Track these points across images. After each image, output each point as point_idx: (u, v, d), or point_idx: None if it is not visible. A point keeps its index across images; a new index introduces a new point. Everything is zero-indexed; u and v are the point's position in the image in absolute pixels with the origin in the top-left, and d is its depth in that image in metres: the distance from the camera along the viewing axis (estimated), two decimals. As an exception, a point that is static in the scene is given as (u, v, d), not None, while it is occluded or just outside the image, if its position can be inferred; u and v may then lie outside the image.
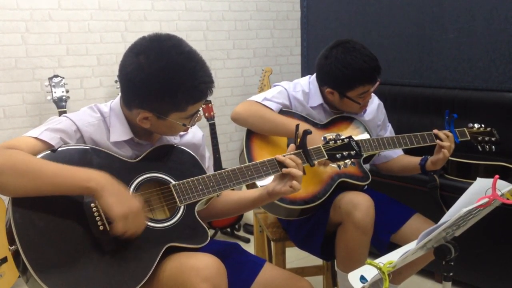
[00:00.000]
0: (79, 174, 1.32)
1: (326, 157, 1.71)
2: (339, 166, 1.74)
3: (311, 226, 1.99)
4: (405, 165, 2.19)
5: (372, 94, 2.18)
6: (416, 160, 2.13)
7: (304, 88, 2.11)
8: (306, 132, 1.64)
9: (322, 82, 2.08)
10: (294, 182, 1.53)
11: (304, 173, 1.57)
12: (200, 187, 1.49)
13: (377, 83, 2.03)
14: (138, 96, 1.44)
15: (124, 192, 1.34)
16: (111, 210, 1.30)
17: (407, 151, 2.22)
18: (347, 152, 1.73)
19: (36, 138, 1.39)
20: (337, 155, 1.72)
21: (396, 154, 2.23)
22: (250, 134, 2.05)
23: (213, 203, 1.67)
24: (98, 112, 1.52)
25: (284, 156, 1.58)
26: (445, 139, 2.01)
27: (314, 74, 2.15)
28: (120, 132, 1.50)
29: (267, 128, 2.02)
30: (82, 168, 1.35)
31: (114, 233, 1.31)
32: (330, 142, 1.74)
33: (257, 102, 2.05)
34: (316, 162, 1.67)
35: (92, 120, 1.50)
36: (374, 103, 2.23)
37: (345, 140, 1.75)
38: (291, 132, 1.73)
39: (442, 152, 1.99)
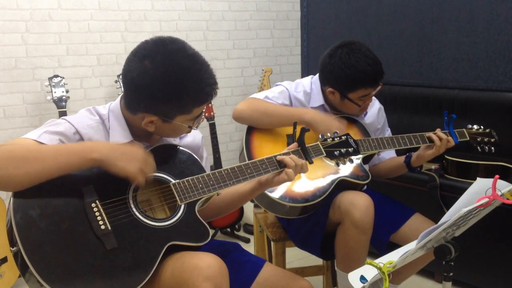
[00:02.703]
0: (78, 148, 1.36)
1: (324, 154, 1.72)
2: (337, 164, 1.75)
3: (310, 225, 1.99)
4: (391, 166, 2.20)
5: (373, 98, 2.18)
6: (400, 159, 2.14)
7: (305, 88, 2.12)
8: (304, 130, 1.65)
9: (324, 81, 2.08)
10: (289, 170, 1.55)
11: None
12: (200, 185, 1.49)
13: (379, 87, 2.03)
14: (143, 101, 1.44)
15: (125, 150, 1.39)
16: (127, 172, 1.36)
17: (403, 152, 2.22)
18: (344, 149, 1.74)
19: (35, 140, 1.39)
20: (335, 152, 1.73)
21: (389, 155, 2.24)
22: (250, 133, 2.06)
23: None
24: (97, 115, 1.53)
25: (283, 154, 1.60)
26: (437, 141, 2.01)
27: (317, 75, 2.15)
28: (119, 135, 1.51)
29: (272, 121, 2.02)
30: (78, 143, 1.41)
31: (140, 185, 1.41)
32: (328, 140, 1.75)
33: (257, 98, 2.06)
34: (314, 159, 1.67)
35: (91, 123, 1.50)
36: (375, 107, 2.23)
37: (343, 137, 1.76)
38: (299, 119, 1.76)
39: (435, 147, 2.00)
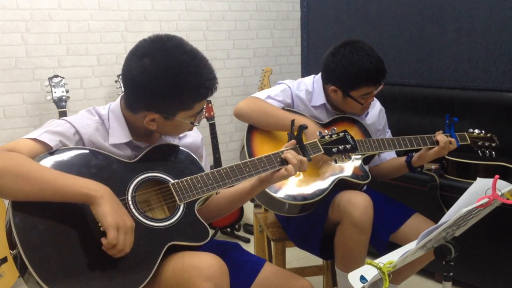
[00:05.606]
0: (80, 181, 1.32)
1: (323, 151, 1.72)
2: (335, 161, 1.76)
3: (310, 224, 1.99)
4: (392, 166, 2.20)
5: (375, 99, 2.18)
6: (401, 159, 2.14)
7: (307, 87, 2.12)
8: (302, 127, 1.66)
9: (326, 80, 2.08)
10: (289, 166, 1.55)
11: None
12: (199, 185, 1.49)
13: (381, 86, 2.03)
14: (144, 98, 1.44)
15: (121, 207, 1.34)
16: (106, 218, 1.28)
17: (403, 153, 2.22)
18: (342, 146, 1.74)
19: (35, 140, 1.39)
20: (333, 149, 1.73)
21: (389, 156, 2.24)
22: (251, 131, 2.06)
23: (207, 204, 1.67)
24: (97, 115, 1.53)
25: (283, 151, 1.60)
26: (442, 143, 2.02)
27: (319, 74, 2.15)
28: (119, 135, 1.51)
29: (269, 122, 2.03)
30: (83, 178, 1.35)
31: (105, 243, 1.28)
32: (326, 137, 1.75)
33: (259, 98, 2.06)
34: (312, 156, 1.67)
35: (90, 123, 1.50)
36: (376, 108, 2.23)
37: (340, 134, 1.76)
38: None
39: (439, 148, 2.00)
